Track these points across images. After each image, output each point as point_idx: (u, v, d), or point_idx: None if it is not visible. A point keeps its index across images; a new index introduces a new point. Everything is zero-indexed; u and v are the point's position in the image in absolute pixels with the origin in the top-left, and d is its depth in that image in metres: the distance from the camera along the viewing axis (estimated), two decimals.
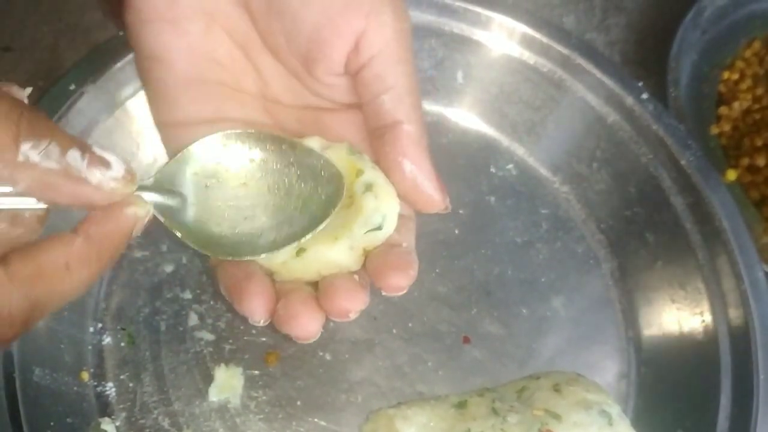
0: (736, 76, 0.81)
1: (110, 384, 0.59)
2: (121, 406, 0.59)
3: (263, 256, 0.40)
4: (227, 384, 0.59)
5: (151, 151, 0.65)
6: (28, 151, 0.30)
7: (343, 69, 0.43)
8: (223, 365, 0.60)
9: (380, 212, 0.42)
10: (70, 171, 0.32)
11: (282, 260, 0.41)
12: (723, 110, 0.79)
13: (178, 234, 0.39)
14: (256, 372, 0.60)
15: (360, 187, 0.42)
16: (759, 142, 0.75)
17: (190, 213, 0.40)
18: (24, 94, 0.33)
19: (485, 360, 0.63)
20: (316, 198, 0.42)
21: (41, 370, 0.56)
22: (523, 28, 0.70)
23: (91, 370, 0.60)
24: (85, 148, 0.33)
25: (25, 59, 0.76)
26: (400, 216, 0.43)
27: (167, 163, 0.40)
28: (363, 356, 0.62)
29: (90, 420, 0.57)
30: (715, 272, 0.62)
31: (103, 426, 0.57)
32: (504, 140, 0.74)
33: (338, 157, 0.43)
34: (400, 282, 0.42)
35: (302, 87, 0.45)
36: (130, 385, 0.59)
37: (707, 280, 0.62)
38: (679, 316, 0.64)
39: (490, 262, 0.68)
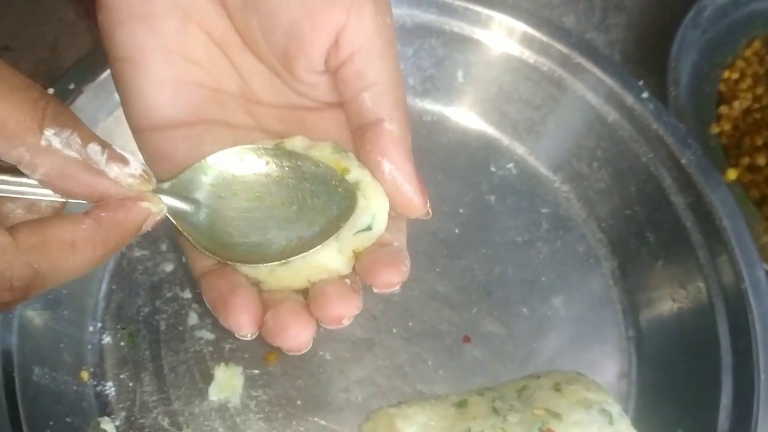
0: (736, 76, 0.81)
1: (110, 383, 0.59)
2: (121, 405, 0.59)
3: (264, 265, 0.40)
4: (227, 383, 0.59)
5: None
6: (51, 137, 0.31)
7: (323, 66, 0.41)
8: (222, 364, 0.60)
9: (369, 212, 0.40)
10: (89, 162, 0.32)
11: (269, 269, 0.40)
12: (723, 109, 0.79)
13: (190, 238, 0.39)
14: (256, 371, 0.60)
15: None
16: (759, 142, 0.75)
17: (203, 220, 0.40)
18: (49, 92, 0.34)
19: (485, 359, 0.63)
20: (328, 212, 0.41)
21: (41, 369, 0.56)
22: (523, 27, 0.70)
23: (91, 369, 0.60)
24: (105, 145, 0.33)
25: (24, 59, 0.76)
26: (390, 215, 0.42)
27: (184, 171, 0.40)
28: (363, 355, 0.62)
29: (89, 419, 0.57)
30: (716, 271, 0.62)
31: (103, 425, 0.57)
32: (504, 139, 0.74)
33: (322, 156, 0.42)
34: (391, 278, 0.40)
35: (284, 86, 0.44)
36: (130, 384, 0.59)
37: (708, 279, 0.62)
38: (679, 315, 0.64)
39: (491, 261, 0.68)
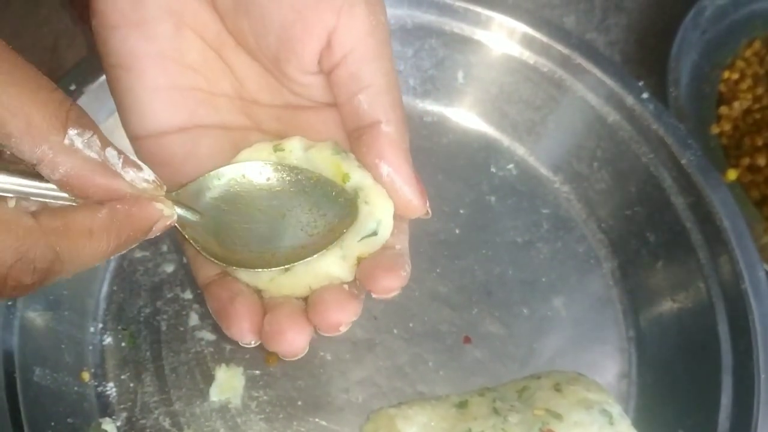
0: (736, 76, 0.81)
1: (111, 384, 0.59)
2: (122, 406, 0.59)
3: (260, 271, 0.41)
4: (228, 384, 0.59)
5: None
6: (74, 136, 0.31)
7: (316, 67, 0.41)
8: (223, 365, 0.60)
9: (374, 217, 0.40)
10: (107, 164, 0.33)
11: (269, 277, 0.40)
12: (723, 110, 0.79)
13: (195, 245, 0.40)
14: (257, 372, 0.60)
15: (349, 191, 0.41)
16: (759, 142, 0.75)
17: (207, 230, 0.40)
18: None
19: (486, 360, 0.63)
20: (329, 222, 0.41)
21: (42, 370, 0.56)
22: (523, 28, 0.70)
23: (92, 370, 0.60)
24: (120, 151, 0.34)
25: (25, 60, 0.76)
26: (393, 218, 0.41)
27: (187, 184, 0.40)
28: (364, 356, 0.62)
29: (91, 420, 0.57)
30: (716, 271, 0.62)
31: (104, 426, 0.57)
32: (504, 140, 0.74)
33: (322, 157, 0.42)
34: (390, 284, 0.39)
35: (280, 85, 0.43)
36: (131, 385, 0.60)
37: (708, 280, 0.62)
38: (679, 315, 0.64)
39: (491, 262, 0.68)
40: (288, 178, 0.42)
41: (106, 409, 0.58)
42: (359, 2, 0.39)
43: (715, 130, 0.77)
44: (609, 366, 0.65)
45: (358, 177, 0.41)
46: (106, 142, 0.33)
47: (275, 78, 0.43)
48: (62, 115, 0.31)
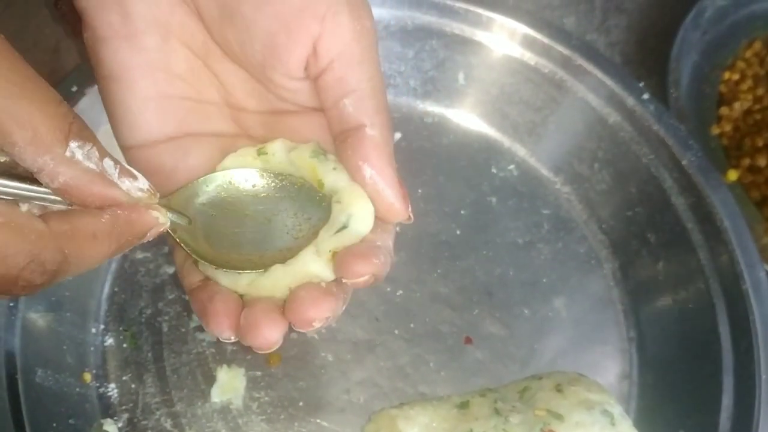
0: (736, 77, 0.81)
1: (112, 385, 0.60)
2: (124, 407, 0.59)
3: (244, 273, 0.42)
4: (229, 385, 0.60)
5: None
6: (75, 149, 0.33)
7: (302, 74, 0.41)
8: (225, 366, 0.60)
9: (345, 211, 0.41)
10: (104, 174, 0.35)
11: (249, 280, 0.41)
12: (724, 110, 0.79)
13: (186, 249, 0.41)
14: (259, 373, 0.61)
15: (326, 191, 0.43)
16: (760, 143, 0.75)
17: (197, 234, 0.42)
18: None
19: (487, 360, 0.63)
20: (313, 226, 0.42)
21: (44, 371, 0.56)
22: (524, 29, 0.70)
23: (94, 371, 0.60)
24: (116, 161, 0.36)
25: (26, 61, 0.76)
26: (377, 219, 0.42)
27: (178, 190, 0.42)
28: (365, 357, 0.62)
29: (92, 421, 0.57)
30: (717, 272, 0.62)
31: (106, 427, 0.57)
32: (505, 141, 0.74)
33: (300, 159, 0.43)
34: (360, 269, 0.39)
35: (267, 91, 0.44)
36: (133, 386, 0.60)
37: (708, 280, 0.62)
38: (680, 315, 0.64)
39: (492, 262, 0.68)
40: (273, 184, 0.44)
41: (107, 410, 0.59)
42: (343, 9, 0.40)
43: (715, 130, 0.77)
44: (610, 366, 0.65)
45: (331, 180, 0.42)
46: (104, 153, 0.35)
47: (262, 84, 0.44)
48: (65, 128, 0.33)
